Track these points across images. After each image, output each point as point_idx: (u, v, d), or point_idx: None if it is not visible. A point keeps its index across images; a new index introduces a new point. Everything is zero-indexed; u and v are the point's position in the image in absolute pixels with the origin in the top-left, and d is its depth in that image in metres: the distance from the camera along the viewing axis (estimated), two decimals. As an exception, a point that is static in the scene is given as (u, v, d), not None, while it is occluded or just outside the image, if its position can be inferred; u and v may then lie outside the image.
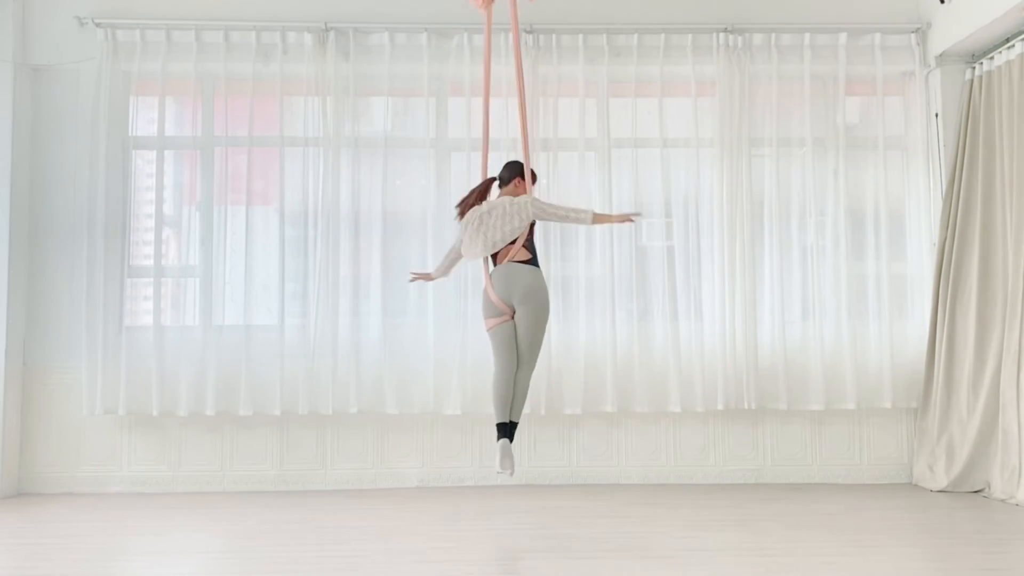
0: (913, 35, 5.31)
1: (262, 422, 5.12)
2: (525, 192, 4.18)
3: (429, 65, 5.21)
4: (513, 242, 4.05)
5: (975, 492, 4.78)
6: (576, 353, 5.09)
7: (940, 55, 5.21)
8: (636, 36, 5.25)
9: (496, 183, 4.26)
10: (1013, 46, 4.76)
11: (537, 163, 5.15)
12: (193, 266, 5.18)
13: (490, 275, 4.08)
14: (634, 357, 5.10)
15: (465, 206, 4.19)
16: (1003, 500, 4.56)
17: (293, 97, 5.27)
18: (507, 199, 4.12)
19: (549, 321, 4.16)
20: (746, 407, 5.09)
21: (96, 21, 5.14)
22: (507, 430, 3.99)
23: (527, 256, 4.07)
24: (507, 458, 3.91)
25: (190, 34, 5.18)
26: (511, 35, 4.85)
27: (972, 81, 5.08)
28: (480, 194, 4.21)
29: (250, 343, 5.06)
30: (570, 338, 5.11)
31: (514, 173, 4.23)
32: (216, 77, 5.25)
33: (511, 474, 3.96)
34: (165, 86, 5.19)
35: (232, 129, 5.21)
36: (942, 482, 4.86)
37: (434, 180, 5.23)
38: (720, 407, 5.09)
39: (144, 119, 5.25)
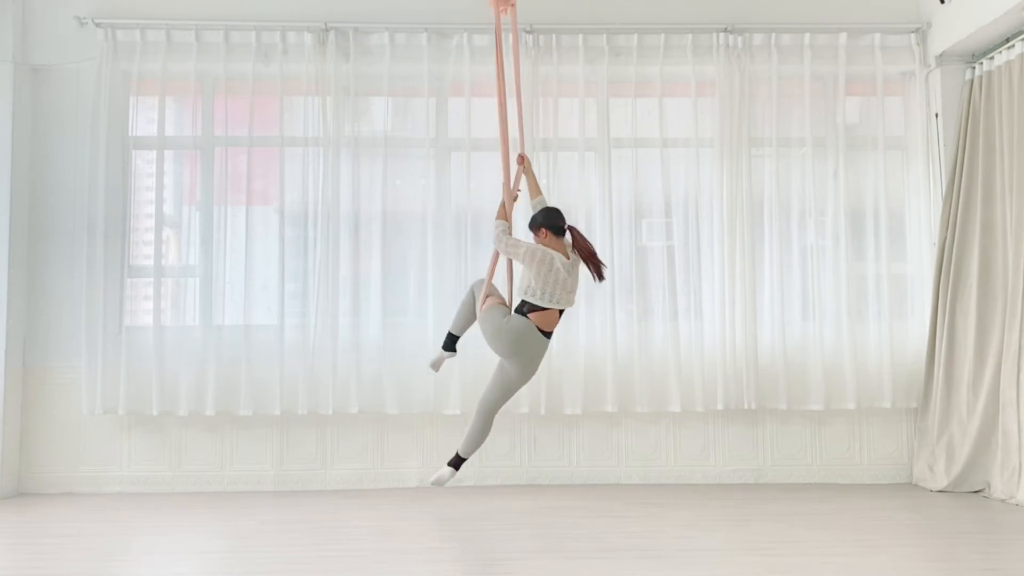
0: (913, 35, 5.31)
1: (262, 422, 5.12)
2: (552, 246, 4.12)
3: (429, 65, 5.22)
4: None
5: (975, 492, 4.78)
6: (576, 353, 5.09)
7: (940, 55, 5.21)
8: (636, 36, 5.25)
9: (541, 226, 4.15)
10: (1013, 46, 4.76)
11: (537, 163, 5.16)
12: (193, 266, 5.18)
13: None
14: (634, 357, 5.10)
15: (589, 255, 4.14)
16: (1003, 500, 4.56)
17: (293, 97, 5.27)
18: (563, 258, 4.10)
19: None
20: (746, 407, 5.09)
21: (96, 21, 5.14)
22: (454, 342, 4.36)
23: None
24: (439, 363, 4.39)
25: (190, 34, 5.18)
26: (510, 35, 4.87)
27: (972, 81, 5.08)
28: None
29: (250, 343, 5.06)
30: (570, 338, 5.11)
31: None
32: (216, 77, 5.25)
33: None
34: (165, 86, 5.19)
35: (232, 129, 5.21)
36: (942, 482, 4.86)
37: (434, 180, 5.23)
38: (720, 407, 5.09)
39: (144, 119, 5.25)
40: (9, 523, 4.33)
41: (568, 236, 4.16)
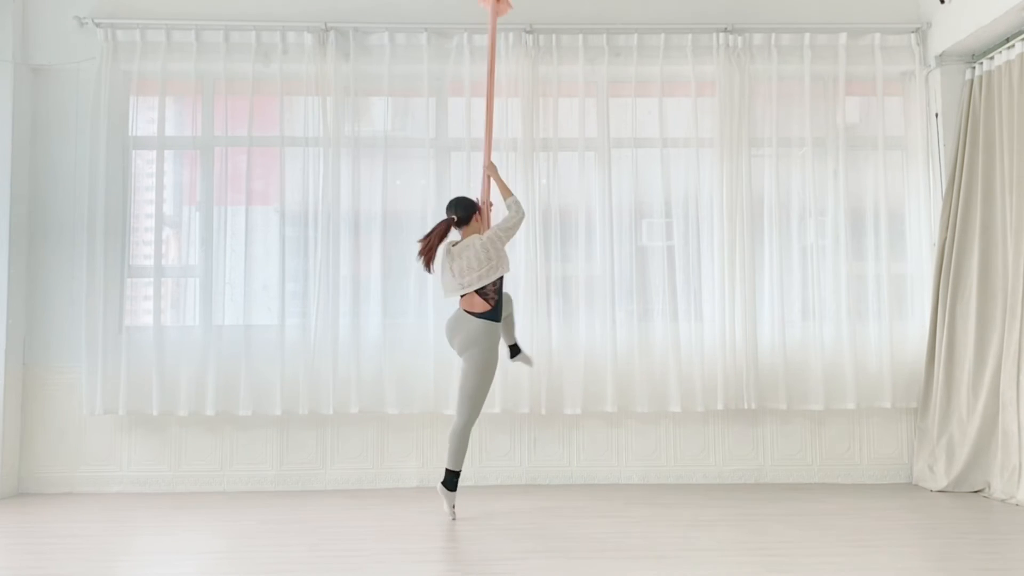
0: (913, 35, 5.31)
1: (262, 422, 5.12)
2: (485, 227, 4.34)
3: (429, 65, 5.22)
4: (479, 290, 4.17)
5: (975, 492, 4.78)
6: (576, 353, 5.09)
7: (940, 55, 5.21)
8: (636, 36, 5.25)
9: (453, 224, 4.30)
10: (1013, 46, 4.77)
11: (537, 163, 5.16)
12: (193, 266, 5.18)
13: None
14: (634, 357, 5.10)
15: (428, 249, 4.20)
16: (1003, 500, 4.56)
17: (293, 97, 5.27)
18: (476, 238, 4.20)
19: (489, 380, 4.23)
20: (746, 407, 5.09)
21: (96, 21, 5.15)
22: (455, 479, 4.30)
23: (485, 308, 4.16)
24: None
25: (190, 34, 5.18)
26: (510, 35, 4.88)
27: (972, 81, 5.08)
28: (440, 234, 4.23)
29: (250, 343, 5.06)
30: (570, 338, 5.12)
31: (470, 211, 4.31)
32: (216, 77, 5.25)
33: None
34: (165, 86, 5.19)
35: (232, 129, 5.21)
36: (942, 482, 4.86)
37: (434, 180, 5.23)
38: (720, 407, 5.09)
39: (144, 119, 5.25)
40: (9, 523, 4.33)
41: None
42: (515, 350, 4.52)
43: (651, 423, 5.21)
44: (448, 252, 4.24)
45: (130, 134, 5.20)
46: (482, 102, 5.17)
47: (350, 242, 5.14)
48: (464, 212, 4.29)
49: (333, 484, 5.12)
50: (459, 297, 4.22)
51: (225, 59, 5.19)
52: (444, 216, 4.33)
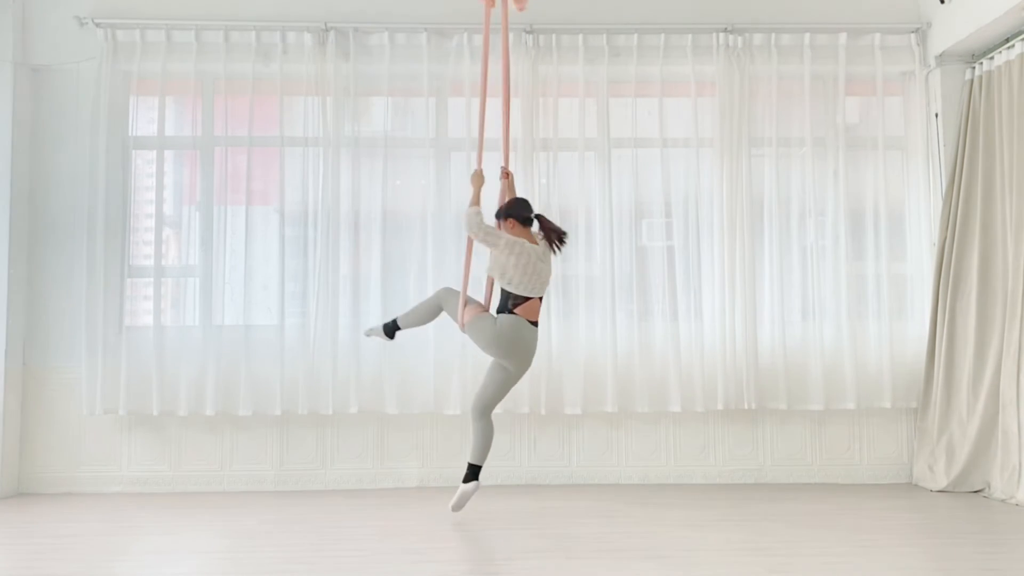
0: (913, 35, 5.31)
1: (262, 422, 5.12)
2: (521, 235, 4.12)
3: (429, 65, 5.22)
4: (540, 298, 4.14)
5: (975, 492, 4.78)
6: (576, 353, 5.09)
7: (940, 55, 5.21)
8: (636, 36, 5.25)
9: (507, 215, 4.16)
10: (1013, 46, 4.77)
11: (537, 163, 5.17)
12: (193, 266, 5.18)
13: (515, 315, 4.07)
14: (634, 357, 5.10)
15: (512, 225, 4.10)
16: (1003, 500, 4.56)
17: (293, 97, 5.27)
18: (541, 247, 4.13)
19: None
20: (746, 407, 5.09)
21: (96, 21, 5.14)
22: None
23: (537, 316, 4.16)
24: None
25: (190, 34, 5.18)
26: (510, 35, 4.85)
27: (972, 81, 5.08)
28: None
29: (250, 343, 5.06)
30: (570, 338, 5.11)
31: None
32: (216, 77, 5.25)
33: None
34: (165, 86, 5.19)
35: (232, 129, 5.21)
36: (942, 482, 4.86)
37: (434, 180, 5.23)
38: (720, 407, 5.09)
39: (144, 119, 5.25)
40: (9, 523, 4.33)
41: (536, 225, 4.19)
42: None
43: (651, 423, 5.20)
44: (535, 253, 4.07)
45: (130, 134, 5.20)
46: (488, 103, 5.18)
47: (350, 242, 5.14)
48: (529, 213, 4.17)
49: (333, 484, 5.12)
50: (512, 306, 4.04)
51: (225, 59, 5.19)
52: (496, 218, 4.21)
